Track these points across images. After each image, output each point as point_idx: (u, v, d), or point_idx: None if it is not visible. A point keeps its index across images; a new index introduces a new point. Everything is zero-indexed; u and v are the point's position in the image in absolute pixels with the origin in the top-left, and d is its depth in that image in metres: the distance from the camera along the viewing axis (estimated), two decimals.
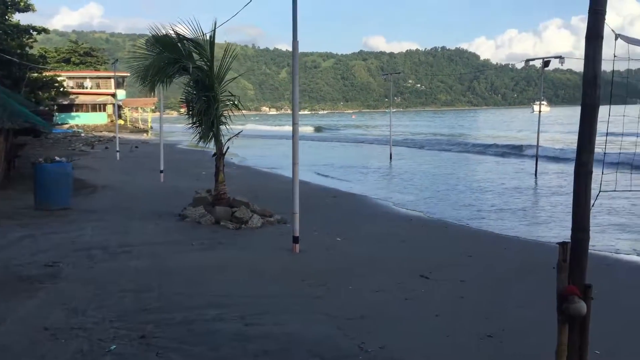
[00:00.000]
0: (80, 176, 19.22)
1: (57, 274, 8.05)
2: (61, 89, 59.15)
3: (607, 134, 4.57)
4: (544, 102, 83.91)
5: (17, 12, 38.70)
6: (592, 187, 3.88)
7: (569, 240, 4.61)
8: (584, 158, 4.48)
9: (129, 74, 12.72)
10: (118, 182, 19.34)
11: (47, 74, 53.83)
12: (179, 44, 12.35)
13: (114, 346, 5.38)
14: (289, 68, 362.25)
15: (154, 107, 73.82)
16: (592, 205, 4.58)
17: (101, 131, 64.46)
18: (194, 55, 12.61)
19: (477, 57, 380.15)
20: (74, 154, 29.57)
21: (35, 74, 45.03)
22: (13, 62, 33.47)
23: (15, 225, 11.53)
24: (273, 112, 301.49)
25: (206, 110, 12.31)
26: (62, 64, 78.73)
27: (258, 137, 60.34)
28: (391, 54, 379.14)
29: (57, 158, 14.36)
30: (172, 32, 12.26)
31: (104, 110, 76.00)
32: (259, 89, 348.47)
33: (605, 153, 4.67)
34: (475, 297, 7.40)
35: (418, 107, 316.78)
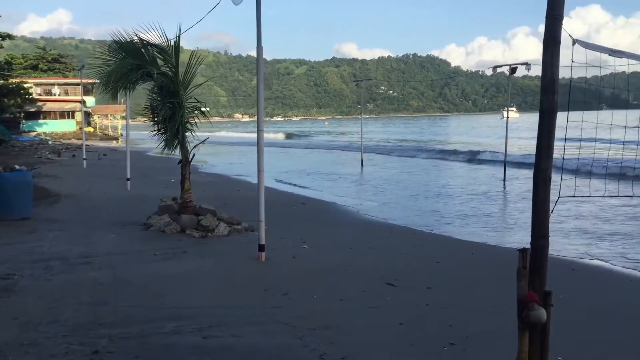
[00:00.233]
0: (44, 185, 18.77)
1: (11, 287, 7.75)
2: (28, 96, 57.99)
3: (565, 139, 4.54)
4: (513, 109, 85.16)
5: None
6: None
7: (529, 247, 4.56)
8: (542, 164, 4.44)
9: (97, 81, 12.51)
10: (83, 191, 18.92)
11: (14, 81, 52.71)
12: (142, 50, 12.12)
13: None
14: None
15: (124, 114, 72.80)
16: (552, 212, 4.55)
17: (70, 139, 63.36)
18: (159, 61, 12.40)
19: (448, 64, 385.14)
20: (39, 162, 28.95)
21: (1, 81, 44.05)
22: None
23: None
24: (246, 118, 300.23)
25: (171, 117, 12.09)
26: (30, 70, 77.35)
27: (229, 144, 59.99)
28: (363, 61, 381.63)
29: (17, 167, 13.95)
30: (136, 37, 12.02)
31: (73, 117, 74.74)
32: (232, 95, 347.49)
33: (564, 159, 4.63)
34: (441, 304, 7.33)
35: (390, 114, 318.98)
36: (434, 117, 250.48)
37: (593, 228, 13.53)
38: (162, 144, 12.58)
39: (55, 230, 12.03)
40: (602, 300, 7.72)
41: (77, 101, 70.89)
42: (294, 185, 23.96)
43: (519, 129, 77.96)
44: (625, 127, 5.06)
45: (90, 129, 75.56)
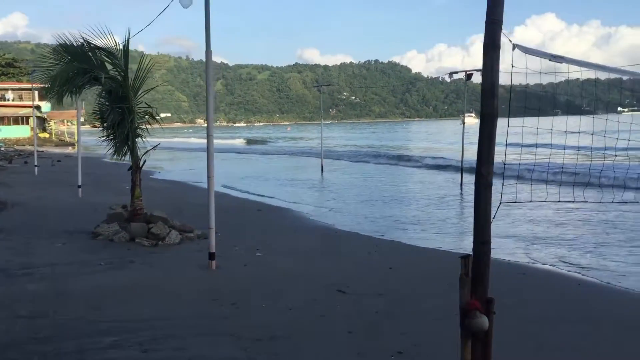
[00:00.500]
0: None
1: None
2: None
3: (506, 145, 4.51)
4: (472, 114, 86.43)
5: None
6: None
7: (471, 253, 4.51)
8: (483, 170, 4.40)
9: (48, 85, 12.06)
10: (32, 199, 18.29)
11: None
12: (90, 54, 11.76)
13: None
14: (223, 80, 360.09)
15: (82, 120, 71.10)
16: (494, 217, 4.51)
17: (24, 145, 61.54)
18: (108, 65, 12.06)
19: (409, 70, 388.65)
20: None
21: None
22: None
23: None
24: None
25: (120, 123, 11.77)
26: None
27: (189, 150, 59.23)
28: (326, 67, 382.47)
29: None
30: (83, 41, 11.66)
31: (27, 123, 72.57)
32: (194, 101, 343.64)
33: (505, 164, 4.60)
34: (392, 311, 7.26)
35: (353, 119, 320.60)
36: (396, 123, 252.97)
37: (545, 233, 13.72)
38: (112, 150, 12.23)
39: None
40: (552, 304, 7.77)
41: (31, 106, 69.10)
42: (250, 192, 23.56)
43: (476, 134, 78.98)
44: (566, 132, 5.08)
45: (46, 135, 73.62)
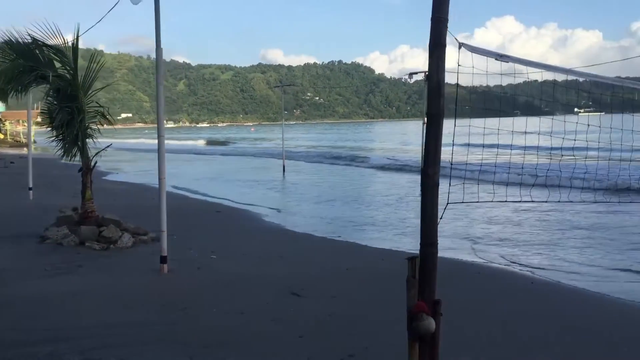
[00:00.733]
0: None
1: None
2: None
3: (452, 145, 4.46)
4: None
5: None
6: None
7: (417, 255, 4.45)
8: (429, 170, 4.35)
9: None
10: None
11: None
12: (37, 51, 11.34)
13: None
14: (186, 80, 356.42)
15: (38, 119, 69.17)
16: (440, 218, 4.45)
17: None
18: (56, 63, 11.64)
19: (372, 71, 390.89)
20: None
21: None
22: None
23: None
24: (170, 125, 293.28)
25: (69, 122, 11.38)
26: None
27: (147, 151, 58.29)
28: (289, 67, 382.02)
29: None
30: (28, 37, 11.22)
31: None
32: (156, 101, 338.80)
33: (452, 165, 4.56)
34: (345, 314, 7.15)
35: (317, 120, 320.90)
36: (359, 123, 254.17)
37: (499, 232, 13.88)
38: (61, 150, 11.83)
39: None
40: (507, 304, 7.79)
41: None
42: (208, 195, 23.13)
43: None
44: (512, 131, 5.07)
45: (1, 136, 71.36)
